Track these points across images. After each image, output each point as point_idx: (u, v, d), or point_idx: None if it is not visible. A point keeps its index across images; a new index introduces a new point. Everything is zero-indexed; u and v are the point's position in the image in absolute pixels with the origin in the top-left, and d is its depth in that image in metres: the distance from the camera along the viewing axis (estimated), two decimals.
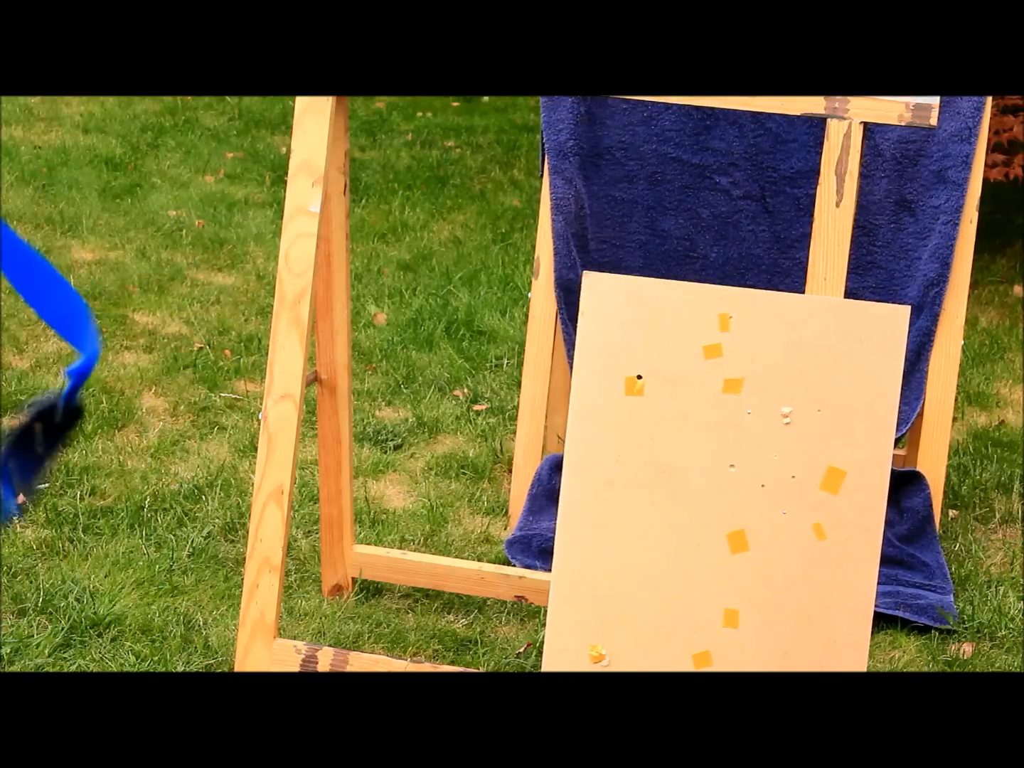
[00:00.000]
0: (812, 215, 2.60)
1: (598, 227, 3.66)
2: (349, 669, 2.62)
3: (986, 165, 4.01)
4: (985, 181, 3.70)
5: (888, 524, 3.34)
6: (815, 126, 3.59)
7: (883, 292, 3.62)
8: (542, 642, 2.59)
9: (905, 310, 2.32)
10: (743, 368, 2.33)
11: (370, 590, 3.19)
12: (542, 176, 3.58)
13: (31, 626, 2.93)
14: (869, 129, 3.43)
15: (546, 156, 3.57)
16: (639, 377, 2.35)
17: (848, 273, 2.69)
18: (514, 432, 3.72)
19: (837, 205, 2.53)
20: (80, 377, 1.07)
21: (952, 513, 3.68)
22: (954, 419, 4.02)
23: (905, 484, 3.45)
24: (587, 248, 3.63)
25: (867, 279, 3.64)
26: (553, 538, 2.42)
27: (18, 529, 3.33)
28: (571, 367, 3.59)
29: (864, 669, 2.29)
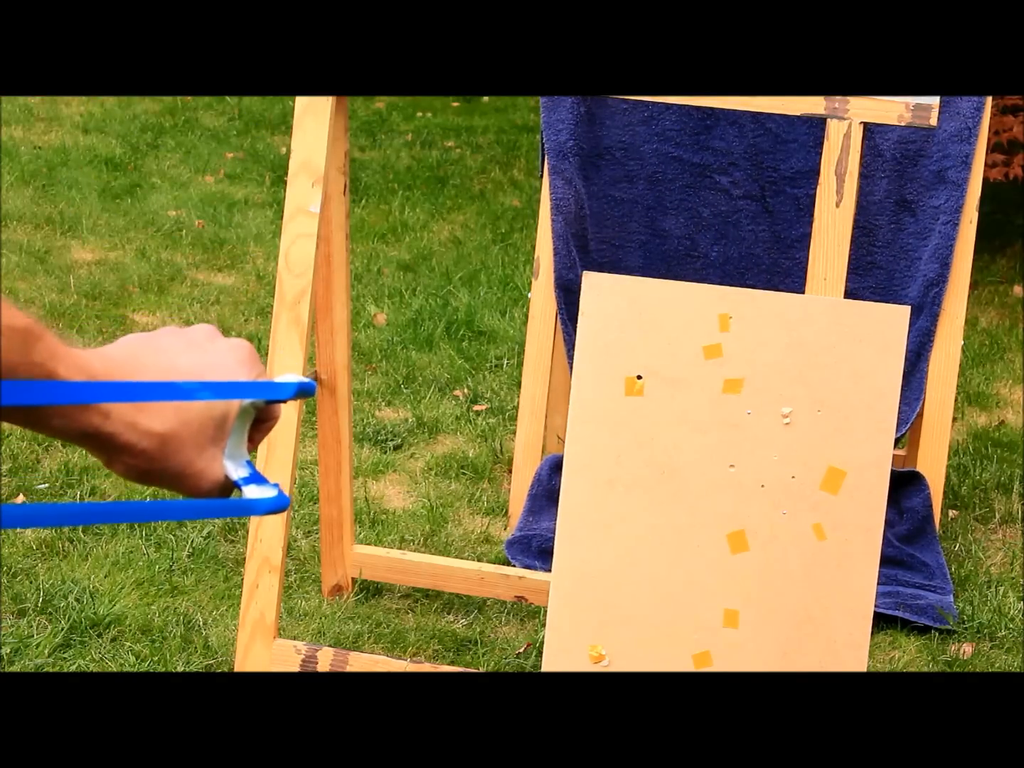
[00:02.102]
0: (812, 215, 2.60)
1: (598, 227, 3.66)
2: (349, 669, 2.62)
3: (986, 165, 4.01)
4: (985, 181, 3.70)
5: (888, 524, 3.34)
6: (815, 126, 3.59)
7: (883, 292, 3.62)
8: (542, 642, 2.59)
9: (905, 310, 2.32)
10: (743, 368, 2.33)
11: (370, 590, 3.19)
12: (542, 176, 3.58)
13: (31, 626, 2.93)
14: (869, 129, 3.44)
15: (546, 156, 3.57)
16: (639, 377, 2.35)
17: (848, 273, 2.69)
18: (514, 432, 3.72)
19: (837, 205, 2.53)
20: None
21: (952, 513, 3.68)
22: (954, 419, 4.02)
23: (905, 484, 3.45)
24: (587, 248, 3.63)
25: (867, 279, 3.65)
26: (553, 538, 2.42)
27: (18, 529, 3.33)
28: (571, 367, 3.59)
29: (864, 669, 2.29)
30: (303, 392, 1.01)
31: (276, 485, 1.01)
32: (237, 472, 1.01)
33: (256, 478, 1.01)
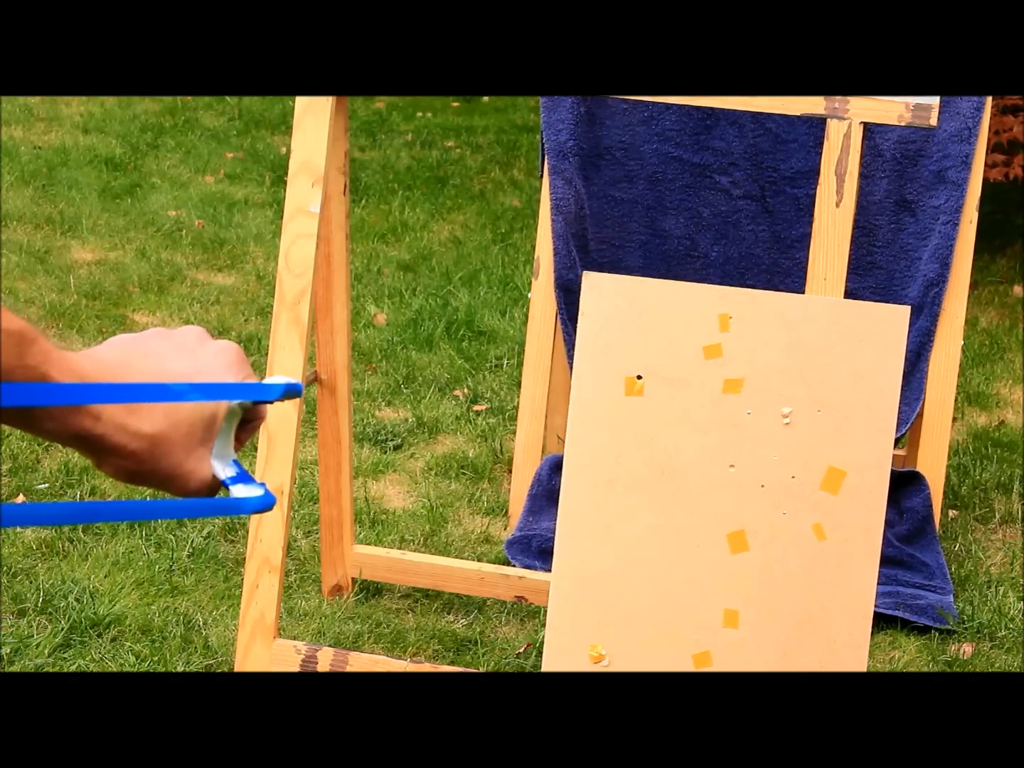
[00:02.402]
0: (812, 215, 2.60)
1: (598, 227, 3.66)
2: (349, 669, 2.62)
3: (986, 165, 4.01)
4: (985, 181, 3.70)
5: (888, 524, 3.34)
6: (815, 126, 3.59)
7: (884, 292, 3.62)
8: (542, 642, 2.60)
9: (905, 310, 2.32)
10: (743, 368, 2.33)
11: (370, 590, 3.19)
12: (542, 176, 3.58)
13: (31, 626, 2.93)
14: (869, 129, 3.44)
15: (546, 156, 3.57)
16: (639, 377, 2.35)
17: (849, 273, 2.69)
18: (514, 432, 3.72)
19: (837, 205, 2.53)
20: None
21: (952, 513, 3.68)
22: (954, 419, 4.02)
23: (905, 484, 3.45)
24: (587, 248, 3.63)
25: (867, 279, 3.64)
26: (553, 538, 2.42)
27: (18, 529, 3.33)
28: (571, 367, 3.59)
29: (864, 669, 2.29)
30: (290, 393, 1.03)
31: (263, 484, 1.03)
32: (224, 472, 1.03)
33: (243, 477, 1.03)
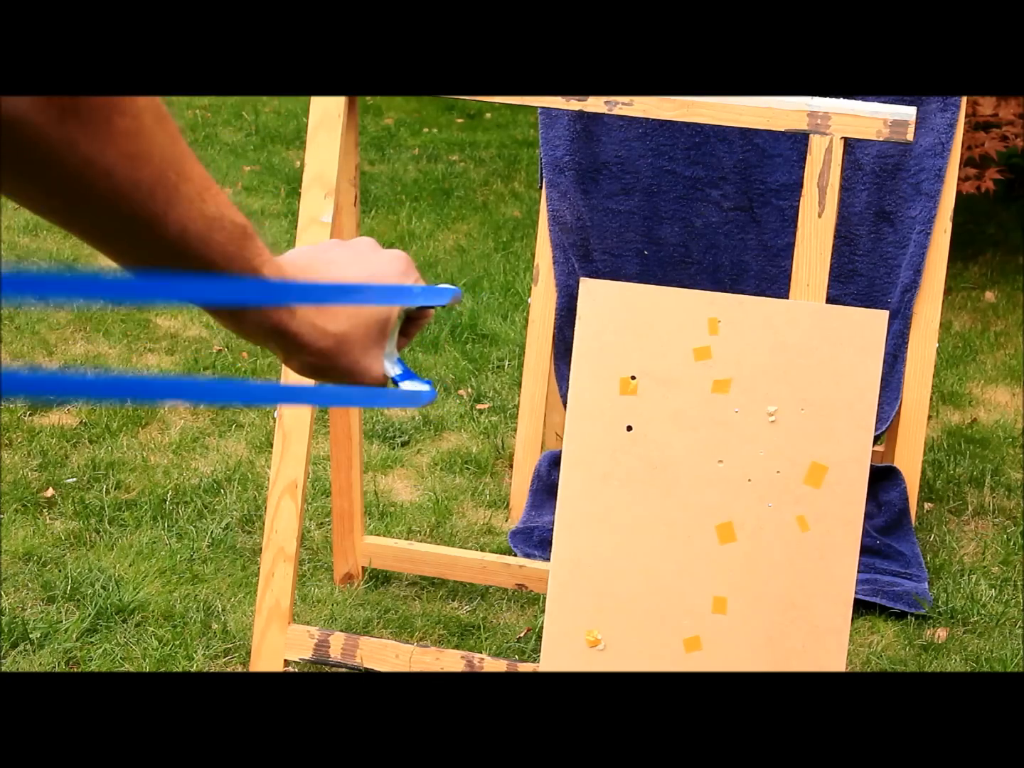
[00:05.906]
0: (797, 225, 2.59)
1: (600, 238, 3.65)
2: (359, 653, 2.61)
3: (959, 179, 4.00)
4: (959, 194, 3.69)
5: (867, 516, 3.33)
6: (799, 142, 3.58)
7: (864, 299, 3.61)
8: (541, 627, 2.59)
9: (883, 315, 2.32)
10: (731, 369, 2.32)
11: (379, 578, 3.19)
12: (541, 188, 3.57)
13: (60, 612, 2.93)
14: (850, 144, 3.43)
15: (543, 170, 3.56)
16: (633, 378, 2.34)
17: (831, 281, 2.68)
18: (515, 430, 3.71)
19: (819, 216, 2.52)
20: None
21: (927, 506, 3.67)
22: (929, 417, 4.02)
23: (883, 479, 3.44)
24: (591, 258, 3.62)
25: (849, 287, 3.64)
26: (552, 530, 2.42)
27: (47, 521, 3.32)
28: (557, 369, 3.58)
29: (844, 653, 2.28)
30: (456, 298, 1.07)
31: (429, 381, 1.05)
32: (393, 370, 1.06)
33: (409, 375, 1.06)
